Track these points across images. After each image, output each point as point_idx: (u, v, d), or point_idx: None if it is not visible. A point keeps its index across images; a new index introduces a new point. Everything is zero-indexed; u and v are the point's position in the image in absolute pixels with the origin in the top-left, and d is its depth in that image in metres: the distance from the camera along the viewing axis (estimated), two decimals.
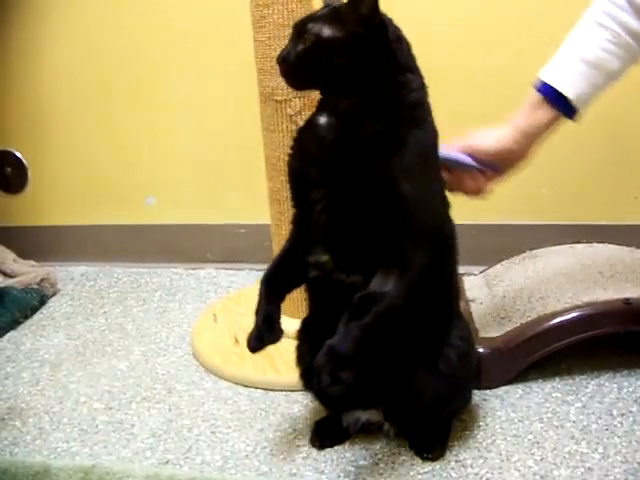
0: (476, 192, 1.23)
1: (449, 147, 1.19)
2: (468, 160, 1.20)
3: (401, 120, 1.05)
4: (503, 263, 1.62)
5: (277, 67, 1.07)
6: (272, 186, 1.47)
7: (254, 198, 1.80)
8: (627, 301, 1.33)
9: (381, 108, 1.04)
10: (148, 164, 2.05)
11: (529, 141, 1.20)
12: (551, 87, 1.17)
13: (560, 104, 1.18)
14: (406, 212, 1.02)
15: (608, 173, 1.82)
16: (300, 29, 1.05)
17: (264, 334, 1.12)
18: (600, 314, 1.33)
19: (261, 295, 1.14)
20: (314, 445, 1.21)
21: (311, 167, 1.06)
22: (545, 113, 1.19)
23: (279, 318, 1.14)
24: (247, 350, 1.49)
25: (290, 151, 1.12)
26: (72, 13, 1.96)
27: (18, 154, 2.10)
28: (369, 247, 1.04)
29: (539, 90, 1.19)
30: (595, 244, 1.62)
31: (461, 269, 1.69)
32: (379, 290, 1.01)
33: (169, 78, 1.96)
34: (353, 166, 1.02)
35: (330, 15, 1.03)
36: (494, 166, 1.21)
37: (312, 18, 1.05)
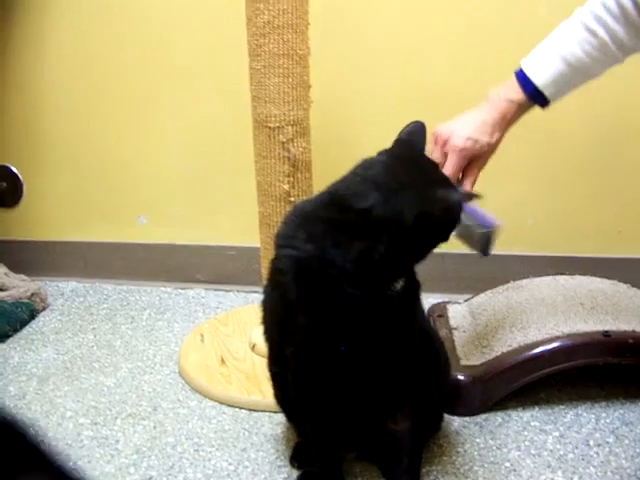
0: None
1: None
2: (493, 220, 1.17)
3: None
4: (487, 292, 1.65)
5: None
6: (263, 211, 1.50)
7: (244, 221, 1.82)
8: (606, 333, 1.36)
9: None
10: (141, 183, 2.07)
11: (503, 132, 1.23)
12: (522, 71, 1.20)
13: (527, 85, 1.19)
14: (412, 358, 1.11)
15: (593, 207, 1.85)
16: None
17: None
18: (579, 345, 1.36)
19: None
20: (293, 466, 1.23)
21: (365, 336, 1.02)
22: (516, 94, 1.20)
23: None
24: (233, 371, 1.52)
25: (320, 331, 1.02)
26: (66, 30, 1.98)
27: (14, 169, 2.12)
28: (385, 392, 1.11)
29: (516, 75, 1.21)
30: (578, 276, 1.64)
31: (446, 297, 1.74)
32: (404, 429, 1.13)
33: (163, 99, 1.99)
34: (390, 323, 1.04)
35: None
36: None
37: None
